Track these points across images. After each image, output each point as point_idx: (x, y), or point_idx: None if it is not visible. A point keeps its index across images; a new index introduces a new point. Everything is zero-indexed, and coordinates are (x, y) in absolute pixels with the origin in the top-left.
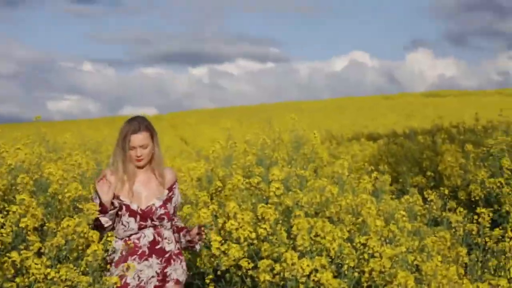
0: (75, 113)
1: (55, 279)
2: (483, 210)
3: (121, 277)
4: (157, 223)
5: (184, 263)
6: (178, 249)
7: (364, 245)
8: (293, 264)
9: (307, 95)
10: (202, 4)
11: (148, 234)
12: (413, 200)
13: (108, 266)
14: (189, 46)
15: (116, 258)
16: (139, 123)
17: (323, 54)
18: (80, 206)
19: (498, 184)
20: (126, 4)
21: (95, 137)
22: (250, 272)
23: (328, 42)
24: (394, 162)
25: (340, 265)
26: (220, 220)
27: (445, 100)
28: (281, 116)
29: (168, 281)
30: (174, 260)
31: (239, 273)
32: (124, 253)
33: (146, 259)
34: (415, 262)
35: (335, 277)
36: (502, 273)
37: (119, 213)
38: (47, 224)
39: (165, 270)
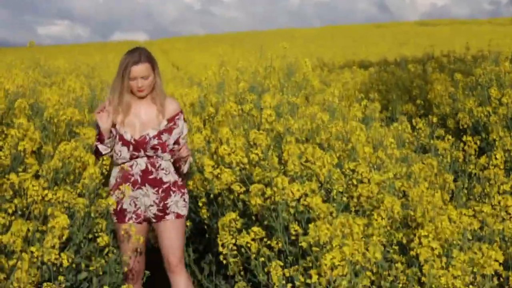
0: (66, 38)
1: (52, 201)
2: (470, 138)
3: (117, 202)
4: (150, 153)
5: (186, 196)
6: (182, 181)
7: (353, 171)
8: (283, 188)
9: (298, 22)
10: None
11: (141, 162)
12: (402, 127)
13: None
14: None
15: (113, 183)
16: (140, 54)
17: None
18: (77, 131)
19: (486, 113)
20: None
21: (87, 62)
22: (241, 196)
23: None
24: (385, 90)
25: (329, 190)
26: (213, 145)
27: (436, 29)
28: (273, 43)
29: (168, 214)
30: (173, 192)
31: (231, 197)
32: (119, 179)
33: (140, 188)
34: (402, 188)
35: (324, 201)
36: (486, 200)
37: (115, 141)
38: (44, 148)
39: (166, 202)
